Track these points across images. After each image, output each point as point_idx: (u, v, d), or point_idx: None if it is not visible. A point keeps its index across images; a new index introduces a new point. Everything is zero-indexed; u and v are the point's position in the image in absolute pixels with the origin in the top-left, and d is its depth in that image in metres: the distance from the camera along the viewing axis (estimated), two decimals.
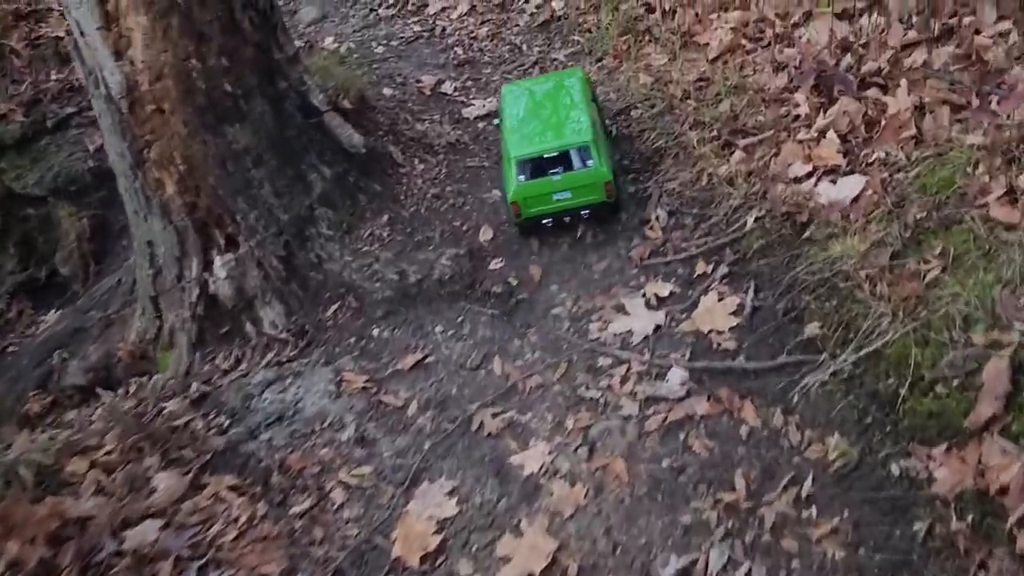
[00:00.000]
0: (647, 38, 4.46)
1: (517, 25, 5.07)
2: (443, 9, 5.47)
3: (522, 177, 3.28)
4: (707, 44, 4.22)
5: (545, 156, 3.26)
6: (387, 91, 4.70)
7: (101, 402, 3.56)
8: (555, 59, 4.71)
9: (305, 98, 3.74)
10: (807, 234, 2.91)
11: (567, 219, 3.38)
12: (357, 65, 5.01)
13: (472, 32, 5.16)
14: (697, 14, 4.39)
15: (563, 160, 3.26)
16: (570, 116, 3.44)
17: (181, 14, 3.29)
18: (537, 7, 5.11)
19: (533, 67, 4.71)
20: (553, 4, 5.04)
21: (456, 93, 4.65)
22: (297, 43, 5.36)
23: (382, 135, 4.16)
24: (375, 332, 3.35)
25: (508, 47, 4.98)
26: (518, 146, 3.32)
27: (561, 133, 3.33)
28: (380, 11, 5.61)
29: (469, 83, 4.72)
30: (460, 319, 3.25)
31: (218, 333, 3.76)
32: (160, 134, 3.49)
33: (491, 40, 5.07)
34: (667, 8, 4.50)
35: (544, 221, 3.37)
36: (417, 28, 5.38)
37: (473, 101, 4.54)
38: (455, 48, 5.09)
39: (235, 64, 3.46)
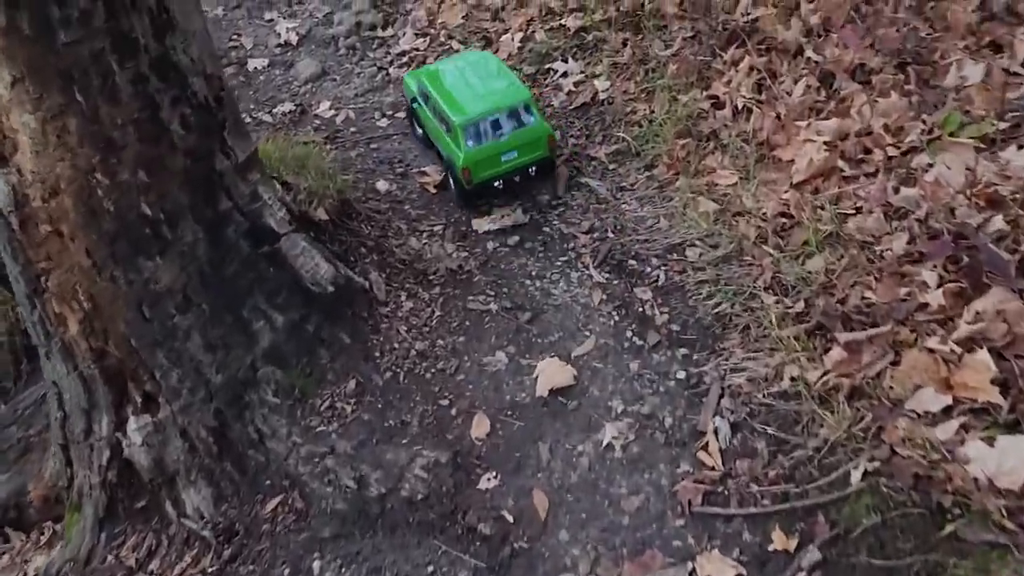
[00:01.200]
0: (712, 144, 3.49)
1: (551, 105, 4.12)
2: None
3: (471, 143, 3.35)
4: (791, 162, 3.24)
5: (490, 119, 3.35)
6: (382, 185, 3.78)
7: (10, 546, 2.93)
8: (594, 156, 3.76)
9: (257, 219, 2.83)
10: (950, 528, 1.92)
11: (516, 179, 3.46)
12: (351, 144, 4.11)
13: None
14: (779, 117, 3.41)
15: (507, 120, 3.37)
16: (501, 80, 3.56)
17: (82, 114, 2.40)
18: (576, 84, 4.16)
19: (568, 162, 3.76)
20: (596, 83, 4.08)
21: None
22: (288, 105, 4.50)
23: (364, 255, 3.24)
24: (315, 566, 2.42)
25: None
26: (462, 113, 3.36)
27: (501, 95, 3.42)
28: (391, 70, 4.70)
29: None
30: (430, 568, 2.30)
31: (132, 507, 2.91)
32: (59, 262, 2.62)
33: None
34: (739, 106, 3.53)
35: (496, 184, 3.43)
36: None
37: (488, 206, 3.61)
38: None
39: (158, 179, 2.56)
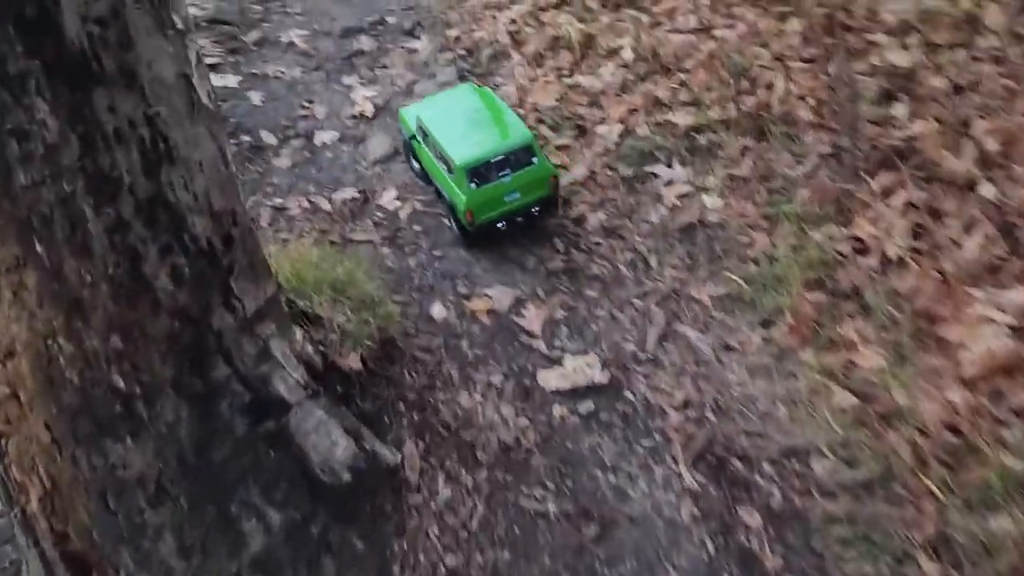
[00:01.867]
0: (852, 306, 2.73)
1: (647, 221, 3.44)
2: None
3: (473, 184, 3.27)
4: (960, 345, 2.45)
5: (492, 160, 3.27)
6: (438, 311, 3.19)
7: None
8: (697, 298, 3.06)
9: (262, 387, 2.27)
10: None
11: (519, 219, 3.40)
12: (412, 249, 3.54)
13: (581, 217, 3.58)
14: (944, 277, 2.63)
15: (509, 162, 3.29)
16: (502, 119, 3.49)
17: (42, 269, 1.90)
18: (680, 197, 3.46)
19: (664, 303, 3.08)
20: (705, 199, 3.38)
21: (537, 332, 3.07)
22: (351, 191, 3.98)
23: (401, 414, 2.64)
24: None
25: (629, 253, 3.36)
26: (463, 155, 3.28)
27: (503, 135, 3.37)
28: None
29: (561, 315, 3.14)
30: None
31: None
32: (17, 428, 2.13)
33: (607, 236, 3.47)
34: (891, 255, 2.76)
35: (499, 225, 3.37)
36: None
37: (560, 353, 2.96)
38: (554, 239, 3.52)
39: (134, 346, 2.03)
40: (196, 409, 2.13)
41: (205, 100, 2.11)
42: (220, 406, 2.17)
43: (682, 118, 3.75)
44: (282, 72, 4.95)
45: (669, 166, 3.61)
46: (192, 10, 5.47)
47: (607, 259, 3.37)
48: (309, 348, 2.50)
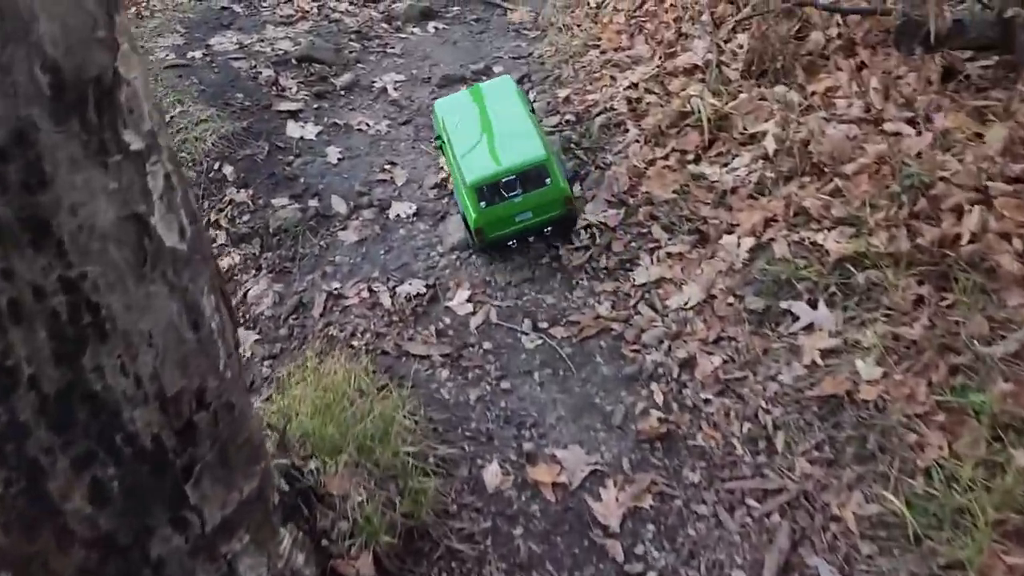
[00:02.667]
0: None
1: (776, 380, 2.66)
2: (657, 282, 3.18)
3: (483, 203, 3.20)
4: None
5: (503, 180, 3.17)
6: (492, 476, 2.51)
7: None
8: (838, 514, 2.24)
9: None
10: None
11: (531, 239, 3.35)
12: (477, 376, 2.89)
13: (690, 359, 2.83)
14: None
15: (522, 181, 3.19)
16: (519, 131, 3.35)
17: None
18: (824, 355, 2.66)
19: (790, 511, 2.29)
20: (859, 365, 2.55)
21: (615, 528, 2.34)
22: (417, 284, 3.37)
23: None
24: None
25: (749, 424, 2.59)
26: (472, 172, 3.23)
27: (515, 153, 3.24)
28: (563, 252, 3.44)
29: (649, 505, 2.40)
30: None
31: None
32: None
33: (721, 392, 2.70)
34: None
35: (510, 243, 3.33)
36: (605, 308, 3.14)
37: (642, 568, 2.22)
38: (651, 384, 2.79)
39: None
40: None
41: (173, 242, 1.51)
42: None
43: (834, 241, 2.93)
44: (367, 124, 4.42)
45: (812, 306, 2.80)
46: (284, 45, 5.05)
47: (718, 427, 2.60)
48: (300, 558, 1.87)
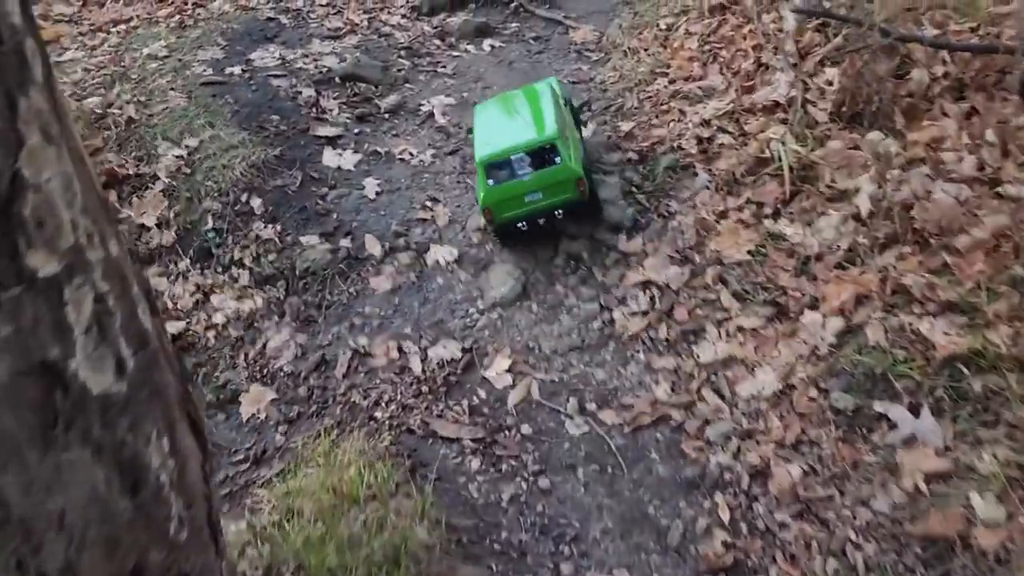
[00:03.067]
0: None
1: (869, 506, 2.22)
2: (725, 362, 2.75)
3: (491, 181, 3.15)
4: None
5: (512, 157, 3.14)
6: None
7: None
8: None
9: None
10: None
11: (541, 221, 3.22)
12: (514, 469, 2.52)
13: (762, 469, 2.40)
14: None
15: (531, 160, 3.14)
16: (536, 117, 3.32)
17: None
18: (928, 477, 2.20)
19: None
20: (973, 499, 2.09)
21: None
22: (452, 347, 3.00)
23: None
24: None
25: (835, 561, 2.15)
26: (482, 150, 3.19)
27: (525, 133, 3.20)
28: (616, 314, 3.04)
29: None
30: None
31: None
32: None
33: (799, 515, 2.27)
34: None
35: (519, 225, 3.22)
36: (663, 390, 2.73)
37: None
38: (715, 494, 2.37)
39: None
40: None
41: (103, 386, 1.15)
42: None
43: (942, 333, 2.46)
44: (411, 153, 4.07)
45: (914, 412, 2.35)
46: (329, 61, 4.73)
47: (797, 562, 2.16)
48: None
